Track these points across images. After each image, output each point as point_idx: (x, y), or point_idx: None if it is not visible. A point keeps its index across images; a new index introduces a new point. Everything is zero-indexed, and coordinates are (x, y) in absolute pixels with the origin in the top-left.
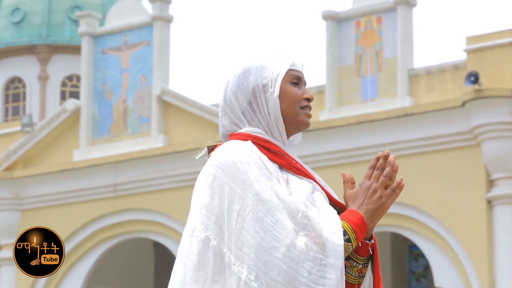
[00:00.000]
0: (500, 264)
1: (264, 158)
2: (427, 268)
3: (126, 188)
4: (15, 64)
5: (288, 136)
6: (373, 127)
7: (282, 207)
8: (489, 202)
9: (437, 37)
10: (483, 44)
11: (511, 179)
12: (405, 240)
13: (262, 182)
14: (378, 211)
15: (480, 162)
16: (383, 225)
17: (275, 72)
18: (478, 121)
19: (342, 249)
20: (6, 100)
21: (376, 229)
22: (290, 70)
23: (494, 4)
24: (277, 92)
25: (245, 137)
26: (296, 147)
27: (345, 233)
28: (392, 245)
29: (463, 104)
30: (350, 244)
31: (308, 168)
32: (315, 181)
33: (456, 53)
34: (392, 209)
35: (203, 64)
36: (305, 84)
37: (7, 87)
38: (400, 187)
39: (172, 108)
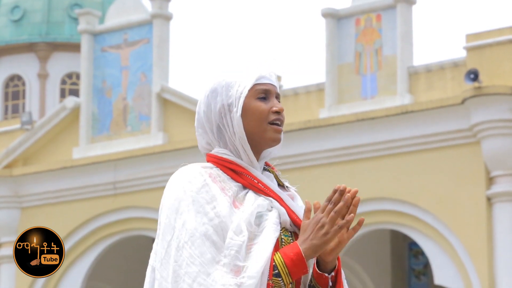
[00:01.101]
0: (500, 261)
1: (216, 179)
2: (427, 265)
3: (126, 185)
4: (15, 62)
5: (259, 152)
6: (372, 125)
7: (207, 236)
8: (488, 199)
9: (436, 35)
10: (483, 41)
11: (510, 176)
12: (405, 237)
13: (192, 210)
14: (323, 247)
15: (479, 159)
16: (382, 223)
17: (239, 90)
18: (478, 118)
19: (257, 275)
20: (6, 98)
21: (375, 227)
22: (256, 85)
23: (494, 2)
24: (239, 112)
25: (211, 158)
26: (295, 144)
27: (275, 267)
28: (392, 243)
29: (463, 102)
30: (280, 279)
31: (274, 188)
32: (278, 199)
33: (456, 51)
34: (391, 206)
35: (202, 62)
36: (276, 96)
37: (6, 85)
38: (359, 223)
39: (171, 105)
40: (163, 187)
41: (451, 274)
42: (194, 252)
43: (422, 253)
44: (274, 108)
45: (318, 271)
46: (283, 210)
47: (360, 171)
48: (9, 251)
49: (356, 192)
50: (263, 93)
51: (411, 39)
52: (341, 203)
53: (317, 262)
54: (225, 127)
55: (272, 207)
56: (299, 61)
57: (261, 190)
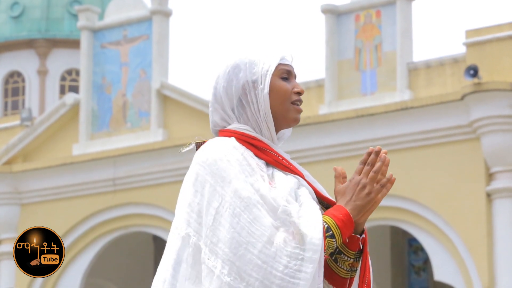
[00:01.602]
0: (499, 257)
1: (248, 154)
2: (426, 261)
3: (125, 182)
4: (15, 58)
5: (277, 131)
6: (372, 121)
7: (261, 204)
8: (488, 195)
9: (436, 31)
10: (483, 37)
11: (510, 172)
12: (405, 233)
13: (242, 179)
14: (367, 207)
15: (479, 155)
16: (382, 219)
17: (265, 68)
18: (478, 114)
19: (320, 242)
20: (6, 95)
21: (375, 223)
22: (279, 64)
23: None
24: (267, 89)
25: (231, 134)
26: (295, 141)
27: (328, 229)
28: (391, 239)
29: (463, 98)
30: (334, 240)
31: (296, 164)
32: (302, 177)
33: (456, 47)
34: (391, 202)
35: (202, 58)
36: (295, 78)
37: (6, 82)
38: (390, 181)
39: (171, 102)
40: (163, 183)
41: (451, 270)
42: (253, 219)
43: (421, 249)
44: (296, 89)
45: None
46: (310, 188)
47: None
48: (9, 247)
49: (386, 152)
50: (285, 73)
51: (411, 35)
52: (379, 163)
53: None
54: (248, 103)
55: (299, 185)
56: (298, 57)
57: (286, 167)
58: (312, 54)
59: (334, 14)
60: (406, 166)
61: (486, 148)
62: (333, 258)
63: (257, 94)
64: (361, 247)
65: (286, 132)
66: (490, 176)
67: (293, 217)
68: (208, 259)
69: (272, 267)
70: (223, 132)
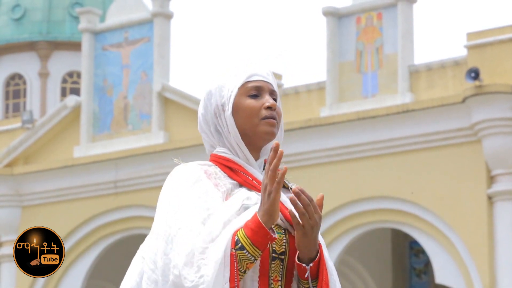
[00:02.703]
0: (500, 260)
1: (205, 177)
2: (427, 264)
3: (126, 184)
4: (16, 60)
5: (255, 148)
6: (373, 123)
7: (197, 226)
8: (489, 198)
9: (437, 33)
10: (484, 40)
11: (511, 175)
12: (406, 236)
13: (184, 206)
14: (273, 209)
15: (480, 158)
16: (383, 222)
17: (230, 89)
18: (479, 117)
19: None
20: (7, 97)
21: (376, 225)
22: (247, 82)
23: (495, 0)
24: (229, 110)
25: (212, 157)
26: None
27: (237, 241)
28: (392, 241)
29: (464, 100)
30: (244, 251)
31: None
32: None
33: (457, 49)
34: (392, 205)
35: (203, 61)
36: (272, 92)
37: (7, 84)
38: (282, 173)
39: (172, 104)
40: None
41: (452, 273)
42: (180, 243)
43: (423, 251)
44: (266, 104)
45: (297, 261)
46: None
47: (361, 169)
48: (10, 250)
49: (278, 148)
50: (254, 90)
51: (412, 37)
52: (275, 160)
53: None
54: (221, 127)
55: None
56: (300, 60)
57: (254, 186)
58: (313, 56)
59: (335, 16)
60: (407, 168)
61: (487, 150)
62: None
63: (225, 117)
64: (309, 277)
65: (268, 146)
66: (491, 179)
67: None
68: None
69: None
70: (210, 157)
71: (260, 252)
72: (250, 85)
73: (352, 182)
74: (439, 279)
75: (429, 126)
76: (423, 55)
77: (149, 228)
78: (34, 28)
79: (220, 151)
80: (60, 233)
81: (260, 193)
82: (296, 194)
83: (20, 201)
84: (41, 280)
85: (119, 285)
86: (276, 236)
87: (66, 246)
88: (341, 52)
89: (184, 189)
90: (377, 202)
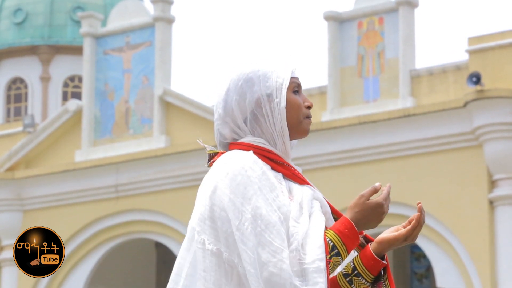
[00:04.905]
0: (502, 264)
1: (267, 168)
2: (429, 268)
3: (128, 188)
4: (17, 64)
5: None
6: (375, 128)
7: (281, 222)
8: (491, 202)
9: (439, 38)
10: (485, 44)
11: None
12: None
13: (262, 196)
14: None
15: (482, 162)
16: (384, 226)
17: (279, 81)
18: (480, 121)
19: (321, 275)
20: (8, 101)
21: (377, 230)
22: (291, 77)
23: (496, 5)
24: (283, 103)
25: (247, 147)
26: (298, 147)
27: (334, 247)
28: None
29: (465, 105)
30: (339, 257)
31: (307, 180)
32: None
33: (458, 54)
34: (393, 209)
35: (205, 65)
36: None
37: (9, 88)
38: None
39: (174, 108)
40: (165, 190)
41: (453, 277)
42: (274, 240)
43: (424, 256)
44: (307, 103)
45: (376, 257)
46: (324, 201)
47: (362, 174)
48: (11, 254)
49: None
50: (296, 87)
51: (413, 42)
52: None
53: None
54: (264, 117)
55: (314, 197)
56: (301, 64)
57: (303, 180)
58: (315, 61)
59: (336, 21)
60: (408, 173)
61: (488, 155)
62: (347, 279)
63: (272, 108)
64: (382, 272)
65: (293, 143)
66: (492, 183)
67: (300, 240)
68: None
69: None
70: (236, 145)
71: (347, 256)
72: (294, 81)
73: (353, 187)
74: (440, 283)
75: (430, 130)
76: (424, 59)
77: (150, 232)
78: (35, 32)
79: (257, 141)
80: (61, 237)
81: (307, 186)
82: (420, 210)
83: (21, 205)
84: (42, 285)
85: None
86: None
87: (67, 250)
88: (342, 57)
89: (256, 181)
90: None
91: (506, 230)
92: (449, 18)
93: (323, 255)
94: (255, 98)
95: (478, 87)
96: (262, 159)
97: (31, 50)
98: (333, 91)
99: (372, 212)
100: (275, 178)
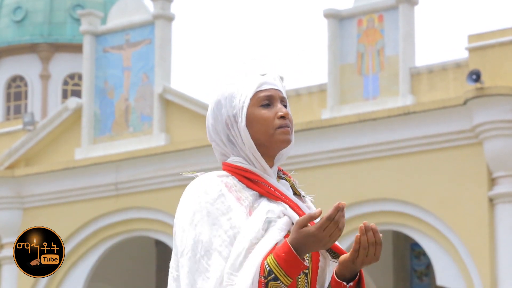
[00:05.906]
0: (502, 262)
1: (227, 190)
2: (429, 266)
3: (128, 186)
4: (17, 62)
5: (273, 156)
6: (375, 126)
7: (225, 246)
8: (491, 200)
9: (439, 35)
10: (485, 42)
11: None
12: (407, 238)
13: (209, 221)
14: (311, 241)
15: (482, 160)
16: (384, 224)
17: (241, 100)
18: (480, 119)
19: None
20: (8, 99)
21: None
22: (258, 92)
23: (496, 2)
24: (243, 122)
25: (227, 167)
26: (298, 145)
27: (270, 272)
28: (393, 244)
29: (465, 103)
30: (278, 281)
31: (290, 196)
32: (295, 207)
33: (458, 51)
34: (393, 207)
35: (205, 63)
36: (282, 99)
37: (9, 86)
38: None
39: (173, 106)
40: (165, 188)
41: (453, 275)
42: (210, 266)
43: (424, 254)
44: (279, 114)
45: (337, 279)
46: (296, 217)
47: (362, 172)
48: (11, 252)
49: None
50: (266, 99)
51: (413, 39)
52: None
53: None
54: (234, 137)
55: (284, 214)
56: (301, 62)
57: (277, 197)
58: (315, 58)
59: (336, 18)
60: (408, 170)
61: (488, 153)
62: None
63: (238, 128)
64: None
65: (285, 151)
66: (492, 181)
67: (234, 260)
68: None
69: None
70: (223, 166)
71: (291, 280)
72: (261, 94)
73: (353, 184)
74: (440, 281)
75: (430, 128)
76: (424, 57)
77: (150, 230)
78: (35, 30)
79: (236, 160)
80: (61, 235)
81: (279, 203)
82: (366, 229)
83: (21, 203)
84: (42, 283)
85: (120, 287)
86: (307, 264)
87: (67, 248)
88: (342, 54)
89: (207, 206)
90: (378, 204)
91: (506, 228)
92: (449, 16)
93: (250, 281)
94: (224, 120)
95: (478, 85)
96: (239, 178)
97: (30, 48)
98: (333, 89)
99: (308, 240)
100: (238, 199)
